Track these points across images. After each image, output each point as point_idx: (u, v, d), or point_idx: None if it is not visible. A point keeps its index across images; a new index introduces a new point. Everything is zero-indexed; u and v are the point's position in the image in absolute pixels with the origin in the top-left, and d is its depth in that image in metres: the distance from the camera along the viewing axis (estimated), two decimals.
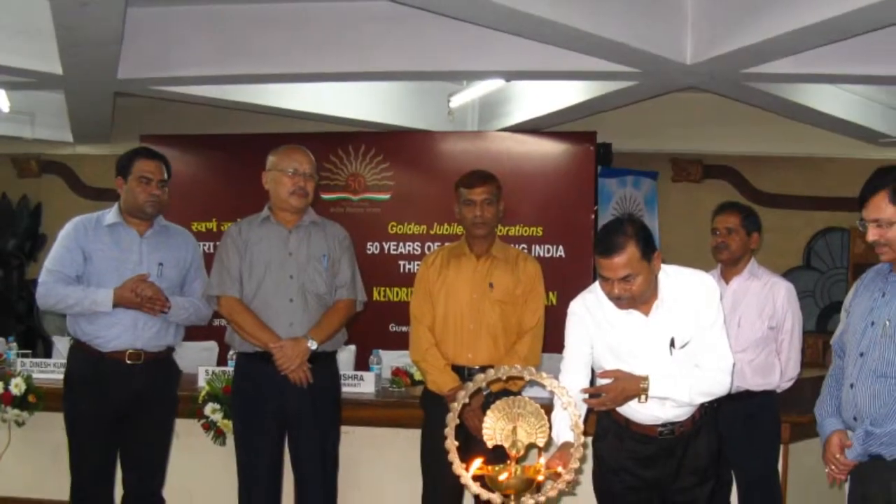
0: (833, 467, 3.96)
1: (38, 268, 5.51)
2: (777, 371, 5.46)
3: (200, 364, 6.61)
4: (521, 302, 5.16)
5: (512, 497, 3.01)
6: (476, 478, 3.05)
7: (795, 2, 5.94)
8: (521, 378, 4.50)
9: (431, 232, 9.29)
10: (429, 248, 9.02)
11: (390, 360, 6.89)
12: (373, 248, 9.34)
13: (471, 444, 4.30)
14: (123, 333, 5.08)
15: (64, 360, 5.48)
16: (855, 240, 11.08)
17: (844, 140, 10.33)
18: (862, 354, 3.83)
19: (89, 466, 5.13)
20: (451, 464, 3.05)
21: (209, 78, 7.88)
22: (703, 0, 6.67)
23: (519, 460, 3.07)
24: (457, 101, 9.73)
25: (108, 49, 6.94)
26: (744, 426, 5.32)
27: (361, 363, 6.98)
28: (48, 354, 8.19)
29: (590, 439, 4.27)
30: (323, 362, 5.14)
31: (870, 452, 3.76)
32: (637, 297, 3.96)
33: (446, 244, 5.53)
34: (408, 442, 5.53)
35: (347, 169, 9.44)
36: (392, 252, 9.38)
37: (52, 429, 5.66)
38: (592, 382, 4.23)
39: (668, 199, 11.30)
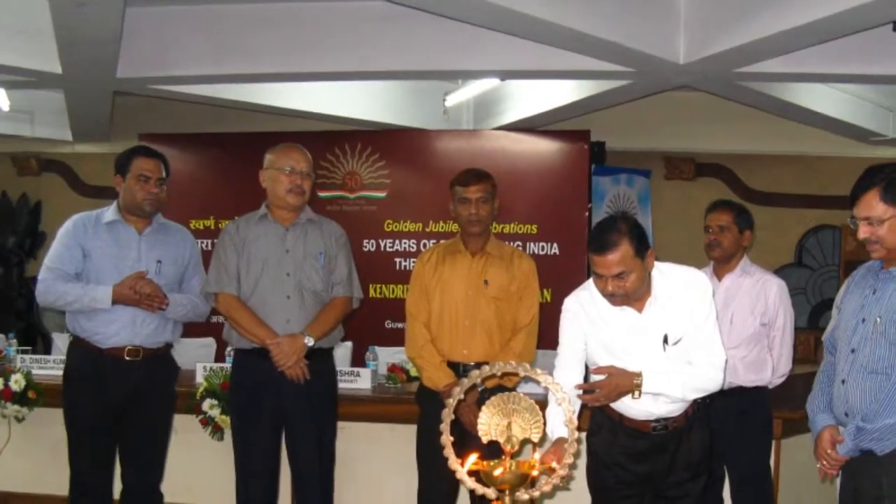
0: (825, 462, 3.97)
1: (38, 265, 5.51)
2: (769, 367, 5.45)
3: (198, 360, 6.63)
4: (516, 299, 5.17)
5: (507, 492, 3.03)
6: (471, 473, 3.08)
7: (787, 2, 5.95)
8: (516, 374, 4.40)
9: (427, 229, 9.33)
10: (424, 245, 9.05)
11: (386, 356, 6.89)
12: (369, 245, 9.38)
13: (466, 439, 4.22)
14: (122, 330, 5.09)
15: (63, 357, 5.51)
16: (846, 237, 11.10)
17: (836, 139, 10.34)
18: (853, 351, 3.85)
19: (88, 461, 5.15)
20: (446, 459, 3.08)
21: (207, 77, 7.87)
22: (696, 0, 6.67)
23: (513, 455, 3.08)
24: (452, 99, 9.74)
25: (106, 48, 6.94)
26: (736, 422, 5.32)
27: (358, 359, 7.03)
28: (48, 351, 8.19)
29: (584, 435, 4.27)
30: (319, 359, 5.15)
31: (861, 448, 3.78)
32: (631, 294, 3.98)
33: (442, 241, 5.53)
34: (404, 437, 5.55)
35: (344, 167, 9.48)
36: (388, 249, 9.42)
37: (51, 424, 5.67)
38: (586, 378, 4.24)
39: (661, 196, 11.32)
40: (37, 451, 6.45)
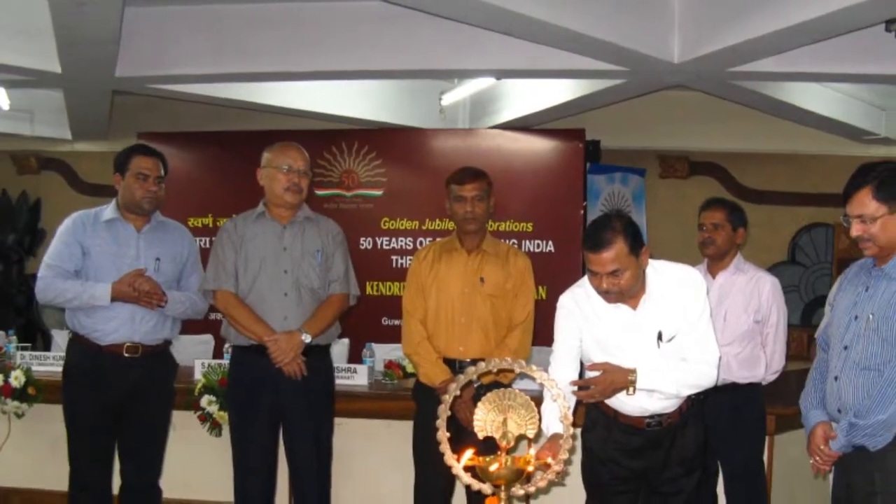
0: (818, 458, 3.98)
1: (38, 262, 5.51)
2: (762, 364, 5.48)
3: (197, 357, 6.63)
4: (512, 296, 5.18)
5: (502, 487, 3.04)
6: (467, 468, 3.09)
7: (780, 2, 5.97)
8: (512, 371, 4.37)
9: (423, 227, 9.35)
10: (421, 243, 9.05)
11: (383, 353, 6.90)
12: (366, 243, 9.39)
13: (462, 435, 4.26)
14: (121, 327, 5.11)
15: (63, 353, 5.53)
16: (839, 235, 11.07)
17: (828, 137, 10.35)
18: (846, 347, 3.86)
19: (88, 457, 5.16)
20: (442, 454, 3.10)
21: (205, 76, 7.87)
22: (690, 1, 6.69)
23: (509, 451, 3.10)
24: (448, 99, 9.75)
25: (105, 48, 6.96)
26: (730, 418, 5.34)
27: (355, 356, 7.04)
28: (47, 347, 8.17)
29: (579, 431, 4.30)
30: (317, 355, 5.18)
31: (854, 443, 3.78)
32: (625, 291, 4.00)
33: (438, 239, 5.54)
34: (400, 433, 5.57)
35: (341, 165, 9.50)
36: (384, 247, 9.44)
37: (51, 420, 5.68)
38: (581, 375, 4.26)
39: (655, 195, 11.33)
40: (36, 447, 6.45)
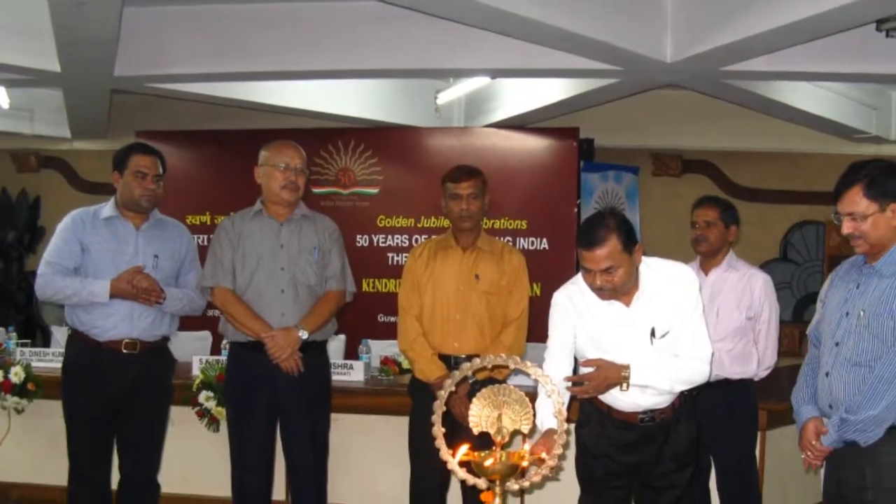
0: (809, 453, 3.99)
1: (37, 259, 5.53)
2: (754, 360, 5.50)
3: (195, 353, 6.67)
4: (506, 293, 5.20)
5: (497, 482, 3.03)
6: (462, 463, 3.09)
7: (772, 2, 5.99)
8: (506, 367, 4.50)
9: (419, 225, 9.37)
10: (416, 240, 9.06)
11: (379, 349, 6.94)
12: (362, 240, 9.42)
13: (457, 430, 4.32)
14: (120, 323, 5.12)
15: (62, 350, 5.54)
16: (830, 233, 11.11)
17: (820, 136, 10.36)
18: (837, 344, 3.86)
19: (87, 453, 5.17)
20: (438, 450, 3.11)
21: (203, 75, 7.88)
22: (683, 1, 6.71)
23: (504, 446, 3.09)
24: (443, 98, 9.78)
25: (104, 47, 6.97)
26: (722, 413, 5.36)
27: (351, 352, 7.05)
28: (47, 344, 8.15)
29: (573, 426, 4.30)
30: (313, 351, 5.20)
31: (845, 439, 3.79)
32: (618, 288, 4.02)
33: (433, 237, 5.56)
34: (396, 429, 5.58)
35: (337, 164, 9.53)
36: (380, 244, 9.47)
37: (50, 416, 5.71)
38: (576, 371, 4.28)
39: (648, 193, 11.32)
40: (36, 442, 6.49)
